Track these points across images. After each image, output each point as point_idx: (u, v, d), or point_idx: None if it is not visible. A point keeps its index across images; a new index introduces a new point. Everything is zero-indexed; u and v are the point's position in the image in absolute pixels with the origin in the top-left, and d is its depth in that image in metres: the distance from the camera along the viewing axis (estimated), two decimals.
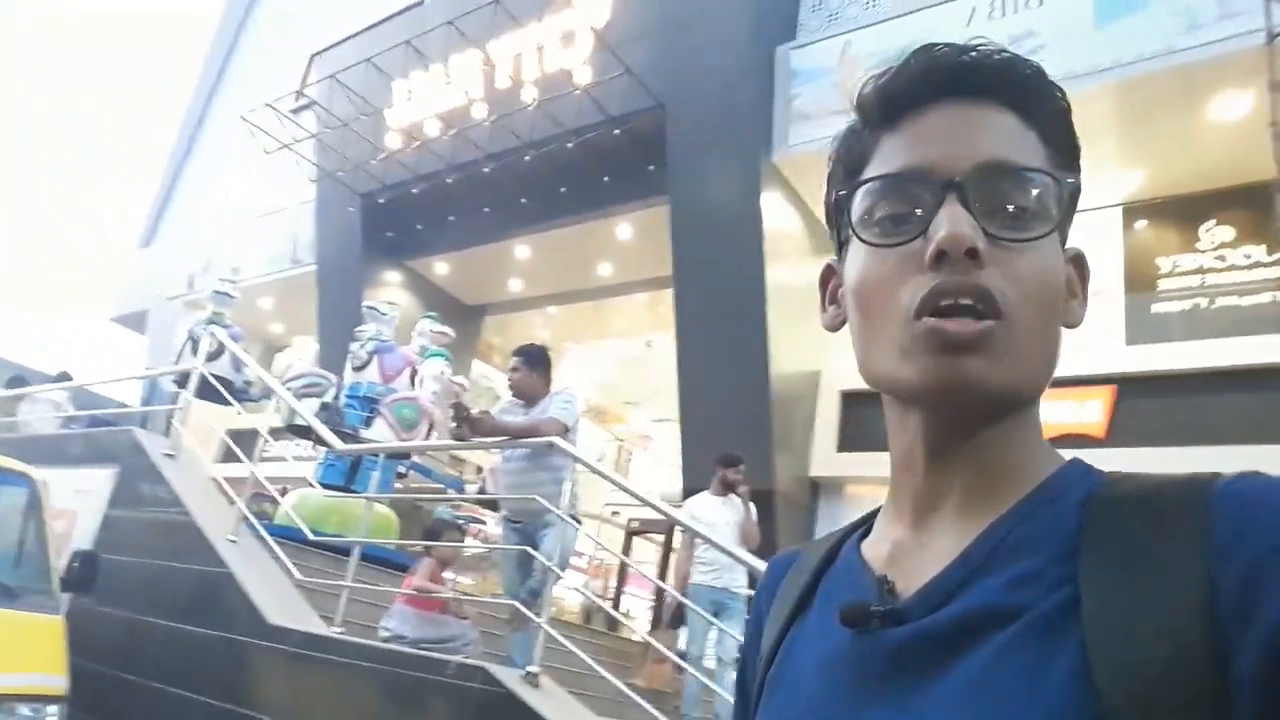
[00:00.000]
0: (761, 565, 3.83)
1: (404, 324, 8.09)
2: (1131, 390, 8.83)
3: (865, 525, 0.70)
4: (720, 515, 5.51)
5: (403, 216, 13.14)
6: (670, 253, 10.53)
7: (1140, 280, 9.54)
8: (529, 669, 3.68)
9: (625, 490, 4.60)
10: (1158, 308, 9.31)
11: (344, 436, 5.72)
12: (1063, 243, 0.61)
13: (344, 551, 5.62)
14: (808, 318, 11.31)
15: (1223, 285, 9.04)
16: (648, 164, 11.09)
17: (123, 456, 5.88)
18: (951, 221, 0.55)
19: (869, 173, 0.62)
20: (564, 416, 4.36)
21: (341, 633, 4.34)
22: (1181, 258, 9.40)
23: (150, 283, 18.40)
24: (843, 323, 0.66)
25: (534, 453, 4.40)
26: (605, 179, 11.66)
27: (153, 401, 9.64)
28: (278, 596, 4.67)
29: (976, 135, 0.58)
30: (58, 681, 4.01)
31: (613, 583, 13.98)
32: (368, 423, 6.51)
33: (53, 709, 3.93)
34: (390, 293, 13.47)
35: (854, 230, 0.61)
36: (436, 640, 4.37)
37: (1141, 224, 9.87)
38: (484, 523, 9.46)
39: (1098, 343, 9.20)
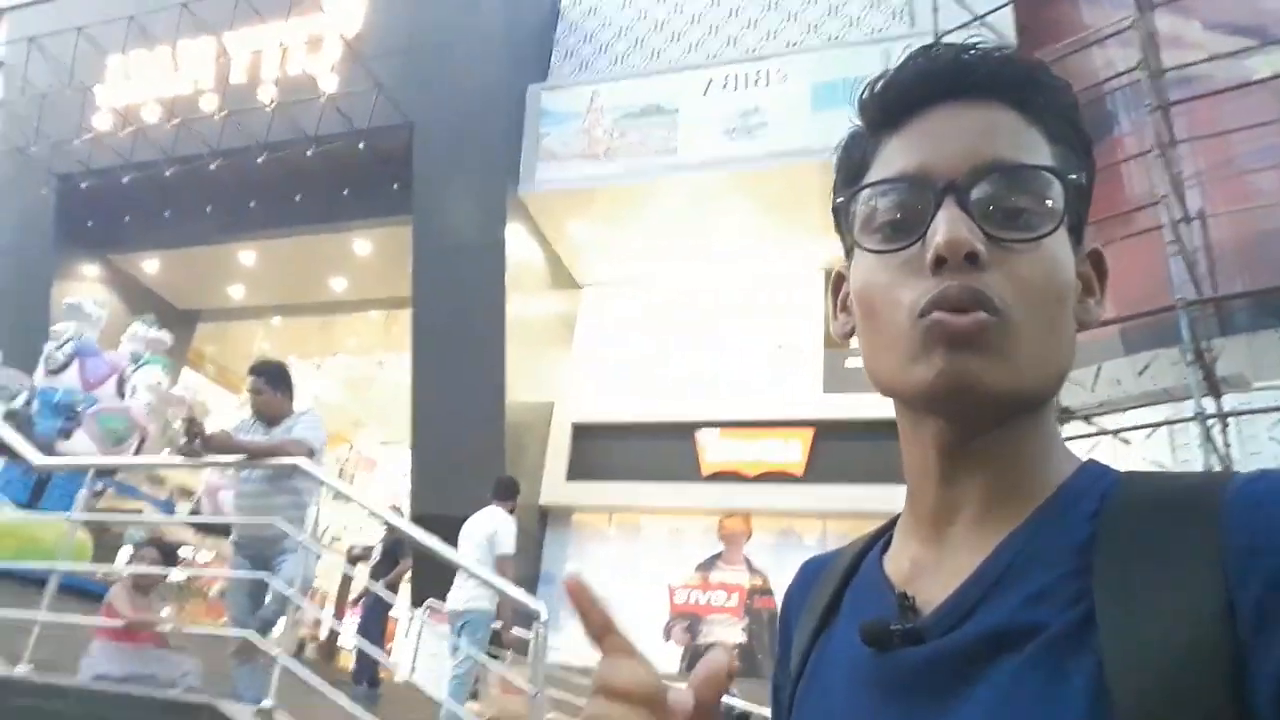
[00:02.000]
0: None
1: (110, 327, 7.33)
2: (828, 433, 10.01)
3: (885, 535, 0.69)
4: (468, 531, 5.56)
5: (109, 205, 11.83)
6: (410, 273, 10.41)
7: (835, 339, 10.81)
8: (263, 704, 3.53)
9: (393, 527, 4.54)
10: (850, 362, 10.60)
11: (39, 449, 5.07)
12: (1077, 240, 0.61)
13: (33, 579, 5.01)
14: (545, 349, 11.63)
15: None
16: (392, 181, 10.89)
17: None
18: (949, 225, 0.55)
19: (869, 178, 0.61)
20: (310, 438, 4.22)
21: (31, 673, 3.87)
22: None
23: None
24: (853, 330, 0.65)
25: (274, 475, 4.20)
26: (345, 191, 11.29)
27: None
28: None
29: (975, 136, 0.58)
30: None
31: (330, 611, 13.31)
32: (65, 434, 5.83)
33: None
34: (88, 288, 12.04)
35: (855, 237, 0.61)
36: (148, 676, 4.02)
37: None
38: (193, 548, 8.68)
39: (799, 390, 10.37)
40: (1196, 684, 0.44)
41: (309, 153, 10.68)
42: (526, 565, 9.14)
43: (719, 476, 10.36)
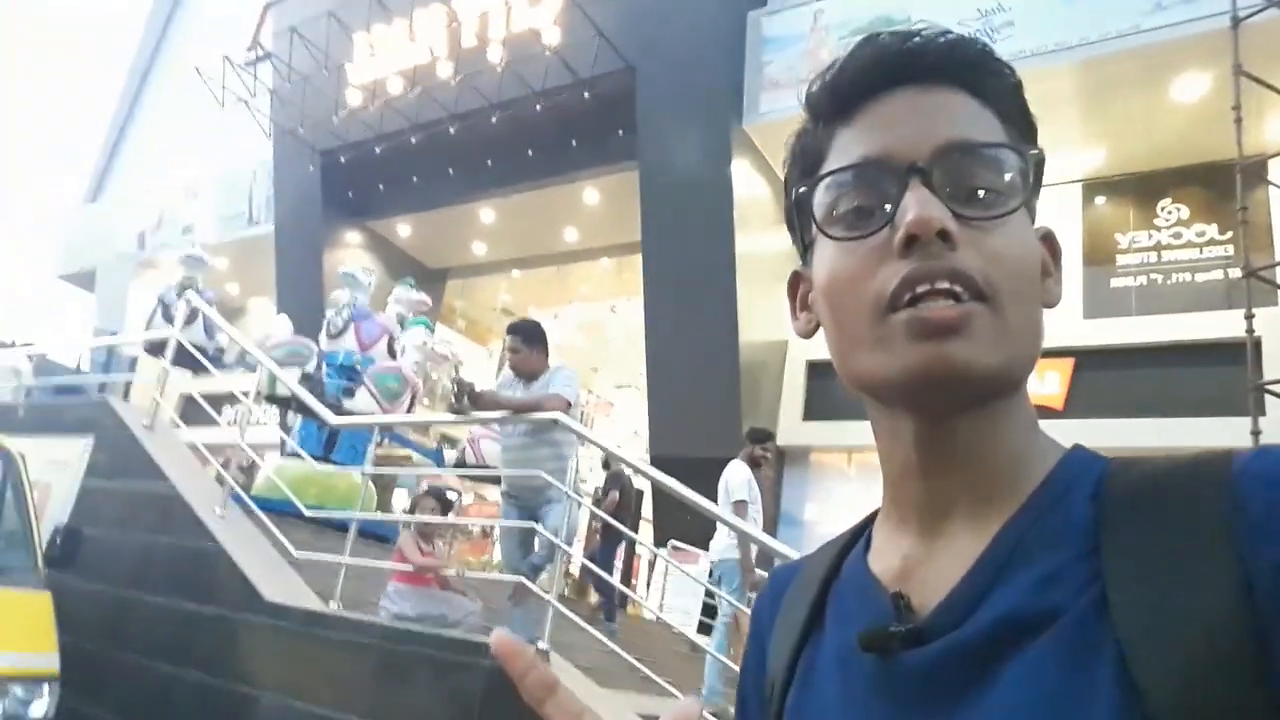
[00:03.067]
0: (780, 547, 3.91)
1: (375, 289, 7.96)
2: (1089, 363, 9.13)
3: (863, 533, 0.67)
4: (758, 491, 5.64)
5: (364, 176, 12.85)
6: (638, 219, 10.50)
7: (1098, 255, 9.81)
8: (539, 645, 3.72)
9: (641, 472, 4.64)
10: (1115, 283, 9.58)
11: (327, 406, 5.62)
12: (1032, 219, 0.60)
13: (329, 524, 5.58)
14: (775, 287, 11.38)
15: (1178, 262, 9.35)
16: (616, 128, 10.98)
17: (97, 426, 5.70)
18: (919, 204, 0.53)
19: (827, 168, 0.60)
20: (567, 392, 4.35)
21: (340, 610, 4.32)
22: (1139, 234, 9.70)
23: (98, 240, 17.74)
24: (816, 328, 0.64)
25: (536, 428, 4.39)
26: (573, 142, 11.53)
27: (111, 367, 9.36)
28: (272, 573, 4.61)
29: (933, 118, 0.57)
30: (49, 660, 3.94)
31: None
32: (348, 393, 6.42)
33: (46, 689, 3.86)
34: (351, 254, 13.21)
35: (818, 227, 0.59)
36: (437, 616, 4.37)
37: (1100, 200, 10.12)
38: (458, 494, 9.41)
39: (1055, 316, 9.45)
40: (1221, 664, 0.42)
41: (538, 107, 10.98)
42: (766, 505, 9.14)
43: None
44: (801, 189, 0.61)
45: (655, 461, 9.82)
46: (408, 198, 13.06)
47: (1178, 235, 9.52)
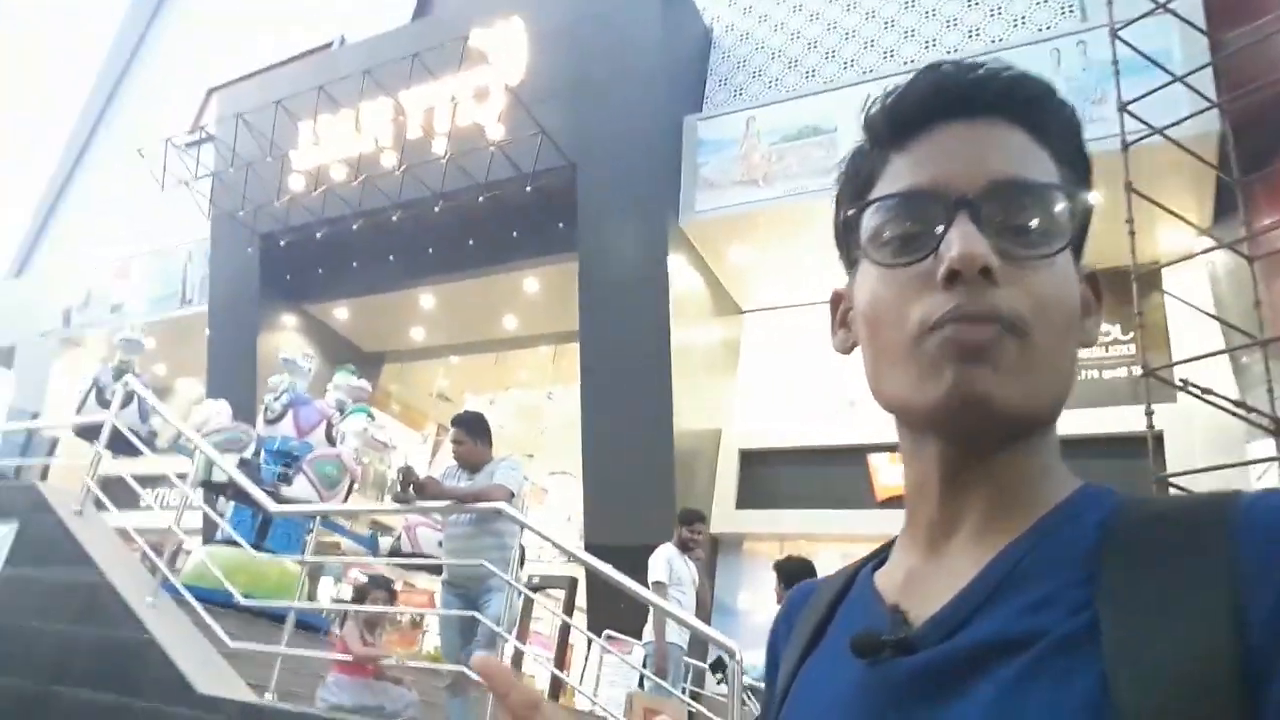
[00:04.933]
0: (719, 636, 4.02)
1: (314, 376, 7.96)
2: None
3: (881, 556, 0.68)
4: (688, 573, 5.68)
5: (304, 260, 12.87)
6: (576, 308, 10.73)
7: None
8: None
9: (579, 560, 4.73)
10: None
11: (264, 493, 5.59)
12: (1077, 260, 0.61)
13: (260, 613, 5.49)
14: (710, 377, 11.70)
15: (1085, 360, 9.94)
16: (557, 221, 11.29)
17: (21, 511, 5.55)
18: (964, 240, 0.54)
19: (877, 192, 0.61)
20: (510, 482, 4.46)
21: (275, 701, 4.25)
22: None
23: (19, 316, 17.20)
24: (853, 346, 0.64)
25: (480, 518, 4.47)
26: (514, 233, 11.80)
27: (30, 448, 9.10)
28: (205, 664, 4.51)
29: (987, 152, 0.58)
30: None
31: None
32: (285, 479, 6.38)
33: None
34: (287, 337, 13.12)
35: (863, 251, 0.60)
36: (376, 708, 4.33)
37: None
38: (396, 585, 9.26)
39: None
40: (1203, 701, 0.42)
41: (480, 199, 11.23)
42: (703, 589, 9.20)
43: (893, 502, 10.06)
44: (851, 211, 0.63)
45: (590, 549, 9.86)
46: (347, 282, 13.10)
47: None
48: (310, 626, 6.40)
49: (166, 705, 4.30)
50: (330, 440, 6.88)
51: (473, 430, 4.72)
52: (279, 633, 4.64)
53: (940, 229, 0.56)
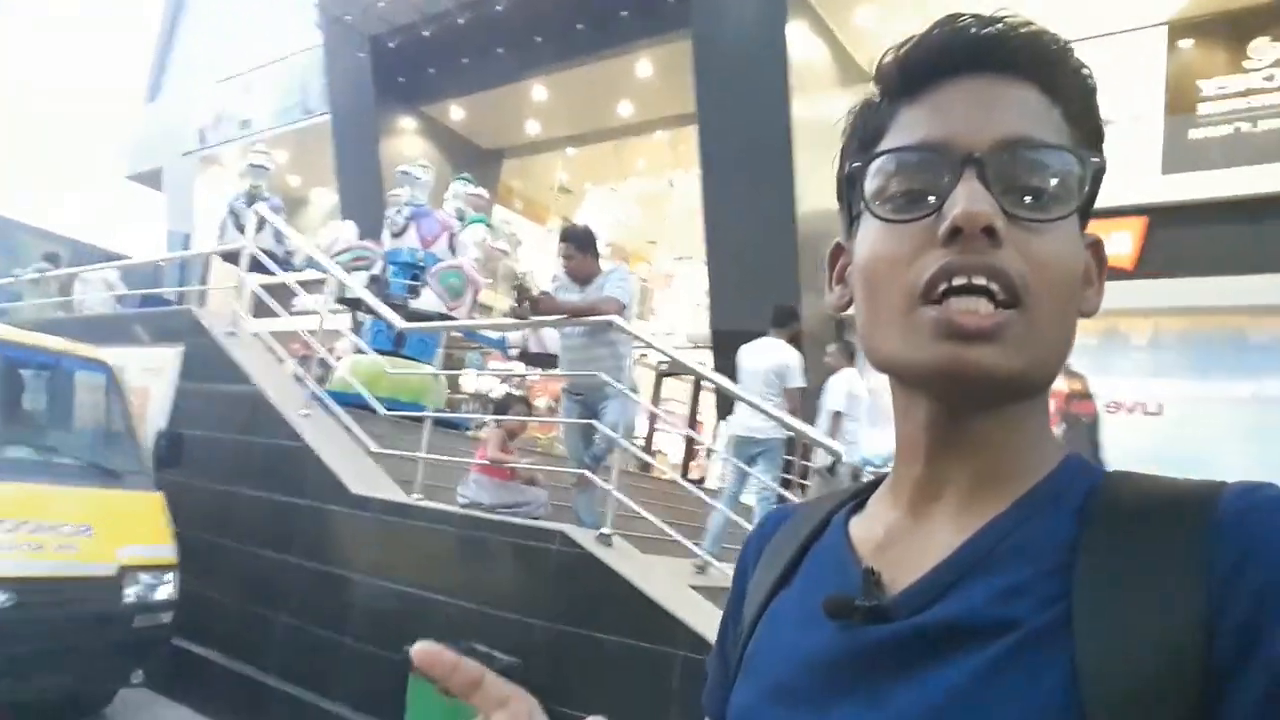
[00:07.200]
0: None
1: (435, 180, 8.05)
2: (1163, 219, 8.74)
3: (859, 498, 0.68)
4: (751, 362, 5.42)
5: (414, 60, 12.71)
6: (693, 89, 10.25)
7: (1181, 104, 9.22)
8: (602, 530, 4.00)
9: (680, 364, 4.81)
10: (1196, 133, 9.05)
11: (392, 307, 5.87)
12: (1083, 227, 0.59)
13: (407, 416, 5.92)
14: (834, 152, 11.00)
15: (1270, 107, 8.74)
16: None
17: (186, 335, 6.09)
18: (969, 197, 0.52)
19: (884, 146, 0.59)
20: (620, 294, 4.49)
21: (421, 499, 4.68)
22: (1226, 80, 9.06)
23: (161, 138, 18.04)
24: (849, 303, 0.63)
25: (593, 330, 4.58)
26: (623, 13, 11.16)
27: (186, 270, 9.79)
28: (355, 466, 4.99)
29: (998, 110, 0.55)
30: (169, 551, 4.41)
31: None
32: (413, 290, 6.65)
33: (169, 576, 4.35)
34: (407, 140, 13.26)
35: (866, 205, 0.58)
36: (512, 505, 4.70)
37: (1186, 43, 9.44)
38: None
39: (1132, 171, 9.00)
40: (1171, 692, 0.43)
41: None
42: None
43: None
44: (856, 164, 0.61)
45: (716, 334, 9.98)
46: (459, 79, 12.92)
47: (1270, 78, 8.87)
48: (452, 425, 6.90)
49: (324, 504, 4.81)
50: (452, 250, 7.06)
51: (581, 244, 4.74)
52: (423, 432, 5.03)
53: (946, 186, 0.54)
